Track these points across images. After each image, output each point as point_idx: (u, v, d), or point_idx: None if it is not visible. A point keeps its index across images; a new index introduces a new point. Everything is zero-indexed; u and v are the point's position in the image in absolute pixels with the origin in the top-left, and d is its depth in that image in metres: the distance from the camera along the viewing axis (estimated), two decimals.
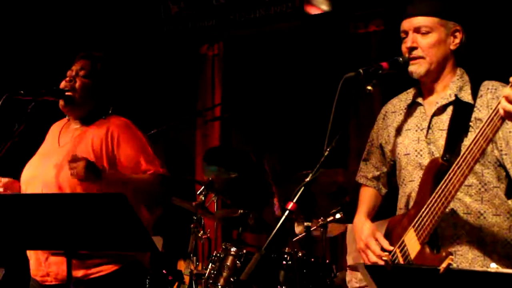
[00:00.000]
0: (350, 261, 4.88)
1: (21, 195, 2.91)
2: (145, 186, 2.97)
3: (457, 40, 2.59)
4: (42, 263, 2.94)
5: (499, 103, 2.08)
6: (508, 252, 2.47)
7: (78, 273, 2.90)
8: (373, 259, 2.57)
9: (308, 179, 2.25)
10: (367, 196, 2.87)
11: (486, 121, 2.14)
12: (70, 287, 2.64)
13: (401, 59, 2.58)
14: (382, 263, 2.50)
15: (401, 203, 2.71)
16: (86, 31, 6.23)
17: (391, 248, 2.53)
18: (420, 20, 2.55)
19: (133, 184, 2.94)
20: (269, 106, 6.14)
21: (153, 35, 6.65)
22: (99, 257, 2.91)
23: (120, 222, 2.45)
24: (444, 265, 1.57)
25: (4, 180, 3.05)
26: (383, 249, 2.57)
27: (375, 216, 2.84)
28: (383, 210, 2.90)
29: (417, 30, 2.56)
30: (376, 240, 2.58)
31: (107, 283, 2.93)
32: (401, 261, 2.49)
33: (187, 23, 6.54)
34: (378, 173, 2.85)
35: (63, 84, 3.06)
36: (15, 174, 3.14)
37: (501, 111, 2.07)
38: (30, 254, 3.02)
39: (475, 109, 2.50)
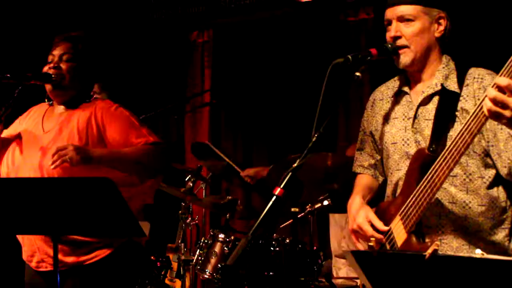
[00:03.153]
0: (333, 248, 4.89)
1: (6, 180, 2.89)
2: (139, 157, 2.90)
3: (442, 28, 2.57)
4: (37, 251, 2.93)
5: (483, 100, 2.05)
6: (493, 240, 2.49)
7: (72, 259, 2.89)
8: (365, 240, 2.56)
9: (295, 164, 2.24)
10: (363, 181, 2.86)
11: (471, 116, 2.12)
12: (57, 273, 2.63)
13: (390, 45, 2.57)
14: (373, 243, 2.51)
15: (388, 191, 2.71)
16: (74, 15, 6.18)
17: (385, 228, 2.52)
18: (403, 9, 2.53)
19: (127, 157, 2.88)
20: (258, 93, 6.14)
21: (142, 21, 6.60)
22: (92, 240, 2.89)
23: (106, 207, 2.44)
24: (430, 250, 1.57)
25: None
26: (376, 230, 2.55)
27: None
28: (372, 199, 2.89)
29: (400, 18, 2.54)
30: (369, 221, 2.57)
31: (102, 267, 2.92)
32: (388, 248, 2.49)
33: (176, 8, 6.50)
34: (373, 161, 2.84)
35: (45, 69, 3.01)
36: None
37: (486, 112, 2.03)
38: (23, 241, 3.00)
39: (461, 98, 2.49)
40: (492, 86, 1.97)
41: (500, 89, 1.94)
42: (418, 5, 2.53)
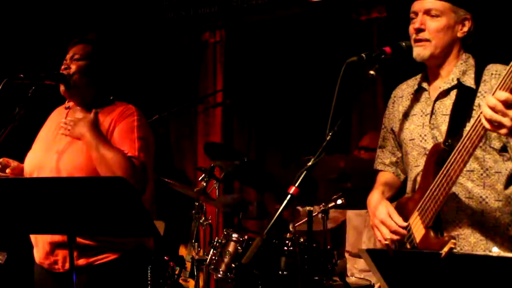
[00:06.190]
0: (349, 248, 4.88)
1: (22, 179, 2.90)
2: (116, 158, 2.85)
3: (465, 29, 2.58)
4: (49, 254, 2.95)
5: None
6: (511, 235, 2.48)
7: (81, 261, 2.90)
8: (388, 235, 2.56)
9: (310, 163, 2.25)
10: (383, 177, 2.87)
11: None
12: (73, 272, 2.64)
13: (404, 44, 2.58)
14: (397, 237, 2.51)
15: (408, 188, 2.71)
16: (87, 17, 6.21)
17: (404, 223, 2.53)
18: (432, 3, 2.54)
19: (108, 149, 2.86)
20: (271, 93, 6.13)
21: (155, 22, 6.62)
22: (102, 244, 2.91)
23: (121, 207, 2.44)
24: (446, 249, 1.57)
25: (14, 164, 3.04)
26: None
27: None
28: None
29: (427, 12, 2.55)
30: (390, 216, 2.58)
31: (111, 269, 2.94)
32: (407, 244, 2.50)
33: (188, 9, 6.51)
34: (395, 158, 2.85)
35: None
36: (16, 158, 3.14)
37: (484, 123, 2.08)
38: (37, 242, 3.02)
39: (478, 94, 2.50)
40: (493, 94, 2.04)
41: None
42: (447, 2, 2.53)
